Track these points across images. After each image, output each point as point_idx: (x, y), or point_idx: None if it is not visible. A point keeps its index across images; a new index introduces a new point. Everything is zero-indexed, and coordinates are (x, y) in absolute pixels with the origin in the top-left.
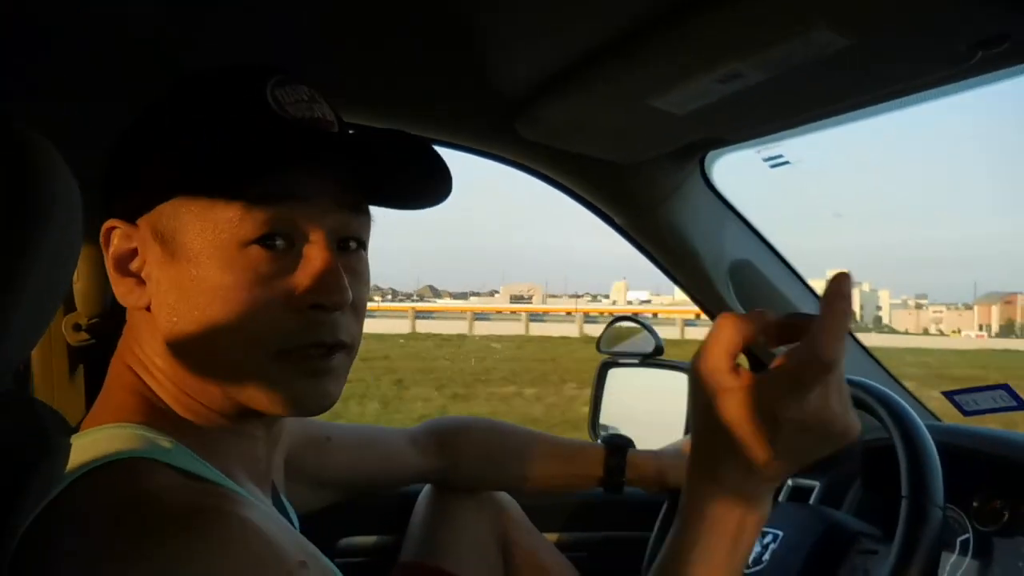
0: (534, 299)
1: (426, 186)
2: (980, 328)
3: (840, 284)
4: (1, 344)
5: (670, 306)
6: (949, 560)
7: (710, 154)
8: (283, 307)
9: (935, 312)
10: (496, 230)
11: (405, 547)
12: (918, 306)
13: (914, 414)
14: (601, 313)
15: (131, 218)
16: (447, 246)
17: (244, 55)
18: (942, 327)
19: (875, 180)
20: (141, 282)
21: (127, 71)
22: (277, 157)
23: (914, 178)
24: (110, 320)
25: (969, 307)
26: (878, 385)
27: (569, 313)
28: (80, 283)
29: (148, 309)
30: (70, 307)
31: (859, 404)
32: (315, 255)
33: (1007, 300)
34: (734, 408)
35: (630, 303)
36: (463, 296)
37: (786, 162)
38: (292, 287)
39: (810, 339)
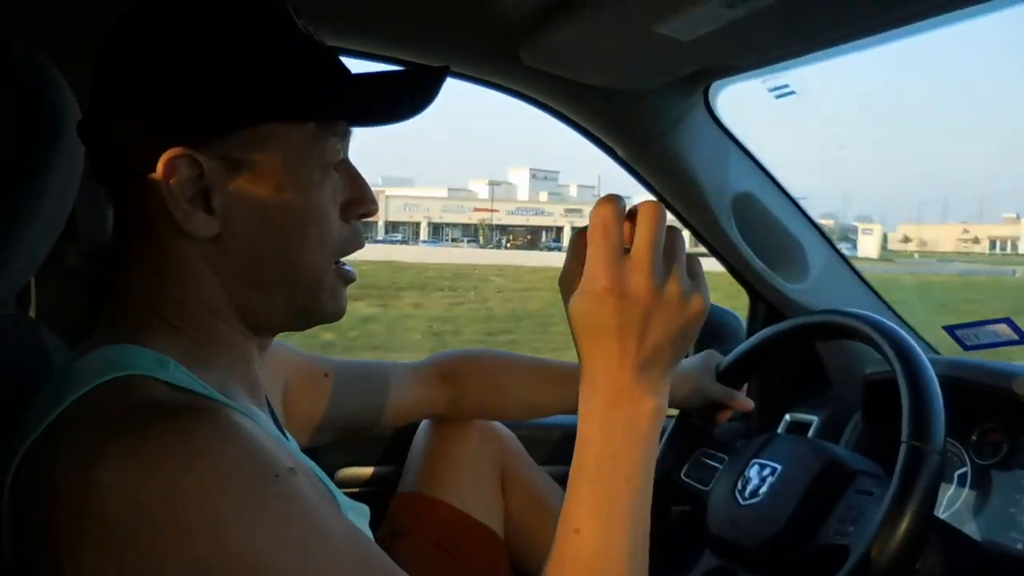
0: None
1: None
2: None
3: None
4: (7, 263)
5: None
6: (947, 493)
7: (714, 84)
8: (341, 220)
9: None
10: None
11: (404, 479)
12: None
13: (919, 349)
14: None
15: (195, 145)
16: None
17: None
18: None
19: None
20: (209, 210)
21: None
22: (380, 94)
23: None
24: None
25: None
26: (879, 317)
27: None
28: (81, 208)
29: (214, 238)
30: (71, 232)
31: (860, 337)
32: (351, 172)
33: None
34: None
35: None
36: None
37: (792, 92)
38: (345, 201)
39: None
